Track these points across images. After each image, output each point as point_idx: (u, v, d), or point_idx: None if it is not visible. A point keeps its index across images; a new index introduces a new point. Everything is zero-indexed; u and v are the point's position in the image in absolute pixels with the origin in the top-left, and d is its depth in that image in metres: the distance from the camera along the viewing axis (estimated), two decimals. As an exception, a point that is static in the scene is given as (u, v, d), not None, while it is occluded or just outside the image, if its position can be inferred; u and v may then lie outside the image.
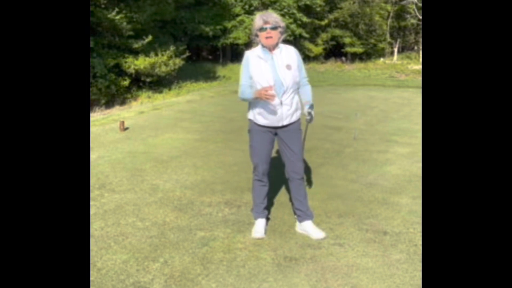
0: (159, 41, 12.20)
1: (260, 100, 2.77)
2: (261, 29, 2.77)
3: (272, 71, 2.78)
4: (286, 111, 2.85)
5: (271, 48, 2.82)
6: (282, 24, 2.82)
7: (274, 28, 2.76)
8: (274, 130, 2.94)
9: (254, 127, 2.96)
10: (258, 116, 2.90)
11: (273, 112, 2.83)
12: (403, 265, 2.66)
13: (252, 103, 2.91)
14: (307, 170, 4.45)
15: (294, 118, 2.92)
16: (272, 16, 2.79)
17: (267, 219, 3.19)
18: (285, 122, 2.88)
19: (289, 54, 2.86)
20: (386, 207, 3.56)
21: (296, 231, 3.09)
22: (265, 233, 3.03)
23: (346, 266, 2.64)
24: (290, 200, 3.31)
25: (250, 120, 2.99)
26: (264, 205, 3.11)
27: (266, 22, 2.75)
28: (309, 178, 4.15)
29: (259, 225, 3.05)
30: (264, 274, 2.55)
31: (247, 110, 3.02)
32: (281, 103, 2.80)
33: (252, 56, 2.85)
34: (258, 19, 2.79)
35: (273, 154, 3.20)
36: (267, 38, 2.76)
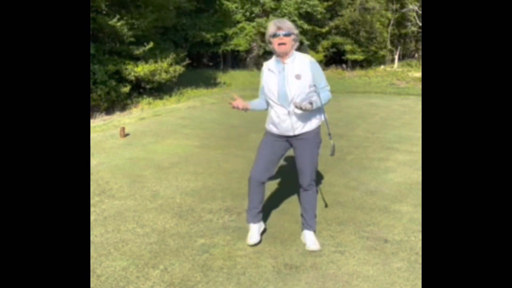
0: (160, 48, 12.23)
1: (271, 110, 2.93)
2: (274, 35, 2.75)
3: (278, 84, 2.79)
4: (295, 121, 2.83)
5: (283, 56, 2.79)
6: (296, 31, 2.81)
7: (288, 34, 2.74)
8: (287, 139, 2.94)
9: (268, 133, 3.02)
10: (271, 125, 2.95)
11: (282, 122, 2.84)
12: (404, 274, 2.64)
13: (268, 113, 2.98)
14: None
15: (306, 128, 2.87)
16: (286, 23, 2.78)
17: (263, 224, 3.13)
18: (296, 132, 2.87)
19: (301, 63, 2.79)
20: (387, 215, 3.55)
21: (300, 238, 3.07)
22: (260, 237, 3.00)
23: (347, 274, 2.63)
24: (291, 208, 3.30)
25: (266, 130, 3.03)
26: (258, 210, 3.04)
27: (279, 28, 2.74)
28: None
29: (253, 230, 3.01)
30: (264, 282, 2.54)
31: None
32: (288, 113, 2.80)
33: (265, 68, 2.91)
34: (272, 25, 2.78)
35: (281, 162, 3.18)
36: (279, 44, 2.74)
